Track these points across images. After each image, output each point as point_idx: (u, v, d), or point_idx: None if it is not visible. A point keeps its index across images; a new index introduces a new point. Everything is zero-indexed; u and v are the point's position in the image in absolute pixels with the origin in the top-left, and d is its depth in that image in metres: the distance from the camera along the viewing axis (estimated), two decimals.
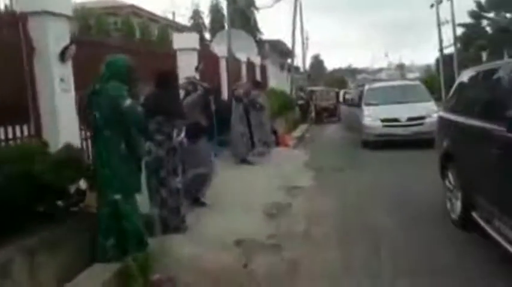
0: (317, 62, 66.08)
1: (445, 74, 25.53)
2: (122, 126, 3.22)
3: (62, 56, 5.51)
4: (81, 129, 6.06)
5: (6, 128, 4.37)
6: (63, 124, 5.45)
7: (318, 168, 8.04)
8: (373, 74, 54.39)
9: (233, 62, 14.71)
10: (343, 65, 69.05)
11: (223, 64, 13.15)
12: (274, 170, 7.53)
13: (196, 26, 22.42)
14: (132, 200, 3.27)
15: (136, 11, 23.99)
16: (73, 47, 5.63)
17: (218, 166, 5.44)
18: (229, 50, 12.66)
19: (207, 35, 22.42)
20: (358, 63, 78.76)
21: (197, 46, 10.84)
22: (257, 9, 22.54)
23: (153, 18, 23.31)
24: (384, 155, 9.11)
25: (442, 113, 5.24)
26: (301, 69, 40.26)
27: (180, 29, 22.40)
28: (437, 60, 34.74)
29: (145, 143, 4.02)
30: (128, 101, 3.16)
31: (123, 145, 3.21)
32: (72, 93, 5.72)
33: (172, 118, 4.26)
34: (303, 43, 32.70)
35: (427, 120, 9.30)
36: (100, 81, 3.29)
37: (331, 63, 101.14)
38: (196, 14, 22.36)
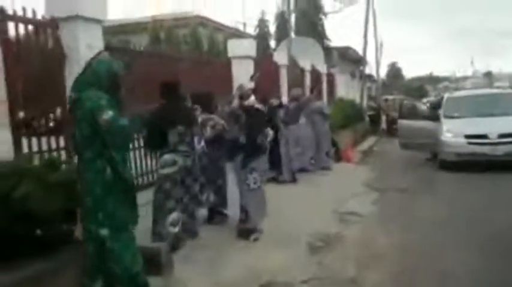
0: (394, 70, 63.26)
1: None
2: (105, 147, 2.60)
3: None
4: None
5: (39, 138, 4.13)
6: None
7: (383, 189, 6.95)
8: (457, 83, 50.31)
9: (295, 70, 14.04)
10: (423, 73, 64.70)
11: (284, 73, 12.51)
12: (329, 190, 6.64)
13: (262, 34, 22.07)
14: (123, 236, 2.65)
15: (203, 22, 24.30)
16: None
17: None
18: (290, 58, 11.95)
19: (273, 44, 21.98)
20: (440, 72, 73.12)
21: (253, 53, 10.31)
22: (325, 15, 21.60)
23: (219, 28, 23.44)
24: (463, 177, 7.68)
25: None
26: (376, 78, 38.24)
27: (246, 38, 22.22)
28: None
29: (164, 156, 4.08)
30: (108, 114, 2.53)
31: (108, 170, 2.59)
32: None
33: (189, 127, 4.29)
34: (376, 49, 31.09)
35: None
36: (76, 90, 2.70)
37: (410, 72, 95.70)
38: (262, 23, 22.03)
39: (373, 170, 8.68)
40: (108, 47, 5.49)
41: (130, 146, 4.06)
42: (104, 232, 2.58)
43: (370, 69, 32.57)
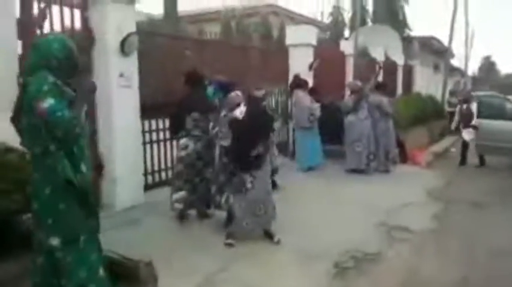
0: (487, 64, 57.63)
1: None
2: (55, 141, 2.13)
3: (122, 47, 4.94)
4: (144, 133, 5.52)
5: None
6: (120, 125, 4.86)
7: (449, 200, 5.87)
8: None
9: (365, 61, 12.92)
10: None
11: (350, 63, 11.54)
12: (382, 197, 5.73)
13: (336, 23, 20.85)
14: (77, 247, 2.21)
15: (275, 10, 23.73)
16: (135, 38, 5.00)
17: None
18: (358, 47, 10.92)
19: (347, 33, 20.67)
20: None
21: (313, 41, 9.52)
22: (407, 1, 19.71)
23: (291, 16, 22.68)
24: None
25: None
26: (468, 72, 34.62)
27: (321, 27, 21.18)
28: None
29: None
30: (48, 102, 2.04)
31: (60, 169, 2.14)
32: (135, 90, 5.12)
33: (206, 113, 4.45)
34: (466, 40, 28.06)
35: None
36: (25, 73, 2.24)
37: (507, 67, 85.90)
38: (336, 11, 20.81)
39: (443, 176, 7.48)
40: (139, 31, 5.19)
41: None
42: (54, 241, 2.16)
43: (459, 62, 29.68)
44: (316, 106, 7.26)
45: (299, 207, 5.09)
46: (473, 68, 50.58)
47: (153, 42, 6.22)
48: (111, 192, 4.70)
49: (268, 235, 4.03)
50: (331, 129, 7.86)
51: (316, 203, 5.31)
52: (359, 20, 11.82)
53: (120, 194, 4.69)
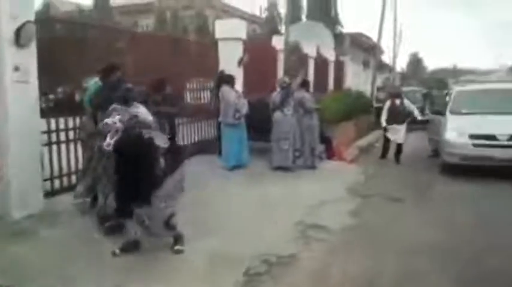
0: (415, 61, 61.25)
1: None
2: None
3: (18, 38, 4.43)
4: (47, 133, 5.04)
5: None
6: (14, 125, 4.37)
7: (368, 196, 6.03)
8: (481, 76, 48.06)
9: (296, 56, 13.04)
10: (446, 65, 62.15)
11: (281, 58, 11.55)
12: (302, 194, 5.74)
13: (272, 18, 20.96)
14: None
15: (212, 3, 23.37)
16: (32, 28, 4.51)
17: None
18: (286, 42, 10.95)
19: (283, 28, 20.87)
20: (465, 64, 70.00)
21: (243, 35, 9.37)
22: None
23: (227, 10, 22.45)
24: (468, 186, 6.63)
25: None
26: (397, 68, 36.56)
27: (256, 20, 21.21)
28: None
29: None
30: None
31: None
32: (33, 85, 4.63)
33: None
34: (394, 37, 29.53)
35: None
36: None
37: (432, 63, 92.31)
38: (271, 6, 20.90)
39: (364, 172, 7.70)
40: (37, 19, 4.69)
41: None
42: None
43: (389, 59, 31.19)
44: (243, 102, 7.12)
45: (215, 209, 4.91)
46: (401, 65, 53.56)
47: (72, 32, 5.76)
48: (4, 199, 4.21)
49: (172, 243, 3.73)
50: (260, 126, 7.78)
51: (235, 204, 5.17)
52: (290, 15, 11.81)
53: (15, 201, 4.22)
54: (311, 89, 13.32)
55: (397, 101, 8.97)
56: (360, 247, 4.17)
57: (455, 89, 9.56)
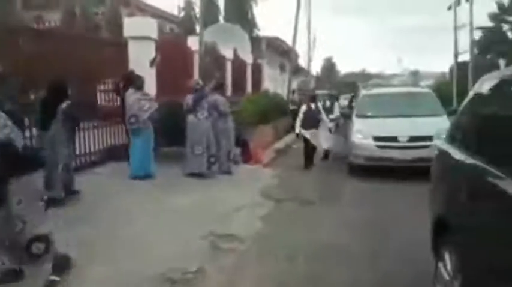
0: (329, 65, 64.39)
1: (459, 82, 23.09)
2: None
3: None
4: None
5: None
6: None
7: (280, 199, 6.02)
8: (386, 80, 52.11)
9: (213, 58, 12.85)
10: (356, 69, 66.56)
11: (197, 60, 11.26)
12: (214, 202, 5.54)
13: (189, 18, 20.57)
14: None
15: (126, 0, 22.25)
16: None
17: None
18: (201, 44, 10.71)
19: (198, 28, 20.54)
20: (372, 69, 75.62)
21: (154, 35, 8.95)
22: (255, 1, 20.57)
23: (142, 7, 21.54)
24: (371, 184, 6.97)
25: (440, 144, 3.15)
26: (312, 72, 38.06)
27: (174, 20, 20.61)
28: (451, 68, 32.23)
29: None
30: None
31: None
32: None
33: None
34: (309, 41, 30.75)
35: (435, 142, 7.06)
36: None
37: (344, 67, 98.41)
38: (188, 6, 20.51)
39: (279, 175, 7.76)
40: None
41: None
42: None
43: (304, 62, 32.39)
44: (149, 106, 6.67)
45: (114, 224, 4.48)
46: (316, 68, 56.07)
47: None
48: None
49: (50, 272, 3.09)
50: (174, 130, 7.44)
51: (138, 218, 4.78)
52: (203, 16, 11.58)
53: None
54: (229, 91, 13.32)
55: (313, 105, 9.13)
56: (271, 253, 4.08)
57: (361, 93, 10.06)
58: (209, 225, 4.62)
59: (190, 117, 7.22)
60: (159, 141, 7.20)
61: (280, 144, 11.93)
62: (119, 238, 4.11)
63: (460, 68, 26.16)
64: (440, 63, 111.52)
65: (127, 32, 8.69)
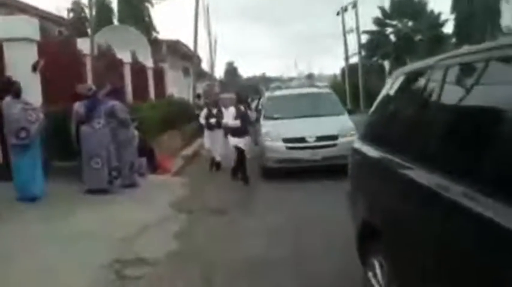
0: (231, 69, 65.20)
1: (350, 83, 24.90)
2: None
3: None
4: None
5: None
6: None
7: (193, 211, 5.59)
8: (286, 83, 54.51)
9: (108, 61, 11.87)
10: (257, 73, 68.52)
11: (89, 64, 10.25)
12: (120, 223, 4.93)
13: (78, 19, 18.92)
14: None
15: (4, 1, 19.73)
16: None
17: None
18: (93, 45, 9.77)
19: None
20: (272, 72, 78.56)
21: (35, 36, 7.86)
22: (151, 3, 19.69)
23: (22, 8, 19.26)
24: (284, 187, 6.89)
25: (358, 144, 3.01)
26: (216, 76, 37.93)
27: (61, 22, 18.72)
28: (343, 70, 34.85)
29: None
30: None
31: None
32: None
33: None
34: (210, 46, 30.57)
35: (341, 140, 7.12)
36: None
37: (246, 71, 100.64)
38: (77, 6, 18.88)
39: (190, 184, 7.30)
40: None
41: None
42: None
43: (208, 67, 32.10)
44: (35, 118, 5.75)
45: None
46: (220, 73, 56.40)
47: None
48: None
49: None
50: (66, 141, 6.56)
51: (27, 248, 4.01)
52: (94, 17, 10.61)
53: None
54: (130, 97, 12.42)
55: (214, 110, 8.93)
56: (185, 277, 3.66)
57: (266, 95, 10.07)
58: (113, 250, 4.03)
59: (84, 127, 6.43)
60: (51, 155, 6.28)
61: (188, 151, 11.43)
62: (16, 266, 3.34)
63: (351, 69, 28.40)
64: (332, 66, 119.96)
65: (1, 33, 7.49)
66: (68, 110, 6.96)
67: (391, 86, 2.59)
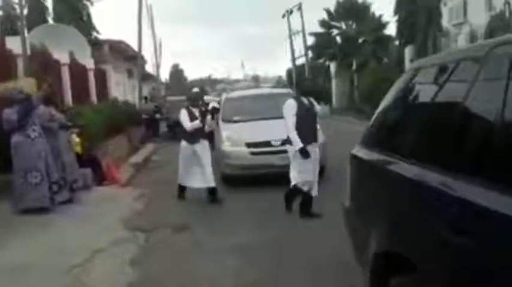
0: (177, 72, 64.09)
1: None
2: None
3: None
4: None
5: None
6: None
7: (151, 229, 4.89)
8: (232, 85, 54.14)
9: (43, 62, 10.68)
10: (203, 75, 67.44)
11: (20, 64, 9.11)
12: (63, 249, 4.13)
13: (8, 17, 17.18)
14: None
15: None
16: None
17: None
18: (24, 45, 8.66)
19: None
20: (217, 74, 77.62)
21: None
22: (91, 2, 18.33)
23: None
24: (250, 194, 6.32)
25: (361, 152, 2.51)
26: (161, 78, 36.51)
27: None
28: (288, 71, 35.06)
29: None
30: None
31: None
32: None
33: None
34: (155, 48, 29.36)
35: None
36: None
37: (192, 74, 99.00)
38: (6, 4, 17.13)
39: (143, 195, 6.54)
40: None
41: None
42: None
43: (152, 69, 30.80)
44: None
45: None
46: (165, 75, 54.91)
47: None
48: None
49: None
50: None
51: None
52: (23, 14, 9.45)
53: None
54: (69, 100, 11.29)
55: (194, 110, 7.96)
56: None
57: (224, 96, 9.48)
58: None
59: (17, 137, 5.51)
60: None
61: (137, 157, 10.53)
62: None
63: (297, 71, 28.51)
64: (277, 68, 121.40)
65: None
66: None
67: (409, 81, 2.14)
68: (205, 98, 16.07)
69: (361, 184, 2.44)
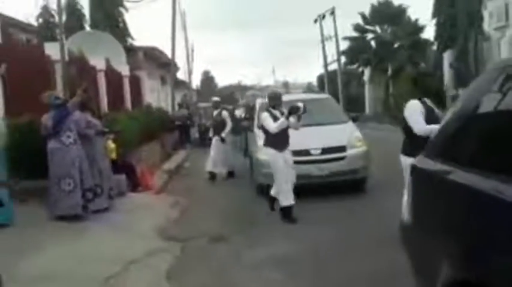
0: (207, 78, 64.73)
1: (329, 89, 24.43)
2: None
3: None
4: None
5: None
6: None
7: (187, 238, 4.71)
8: (262, 91, 54.13)
9: (80, 68, 10.86)
10: (233, 81, 67.81)
11: (58, 70, 9.25)
12: (96, 260, 4.00)
13: (46, 25, 17.76)
14: None
15: None
16: None
17: None
18: (63, 51, 8.78)
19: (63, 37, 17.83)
20: (247, 81, 77.75)
21: None
22: (125, 8, 18.71)
23: None
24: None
25: (428, 164, 2.16)
26: (193, 85, 36.92)
27: (28, 29, 17.52)
28: (319, 77, 34.49)
29: None
30: None
31: None
32: None
33: None
34: (187, 54, 29.73)
35: (349, 152, 6.25)
36: None
37: (222, 80, 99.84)
38: (45, 11, 17.73)
39: (178, 202, 6.39)
40: None
41: None
42: None
43: (185, 76, 31.20)
44: None
45: None
46: (196, 82, 55.59)
47: None
48: None
49: None
50: (33, 157, 5.60)
51: None
52: (61, 20, 9.63)
53: None
54: (104, 106, 11.43)
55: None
56: None
57: (258, 101, 9.23)
58: None
59: (52, 143, 5.48)
60: (16, 173, 5.31)
61: (170, 164, 10.49)
62: None
63: (329, 76, 27.99)
64: (306, 74, 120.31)
65: None
66: (35, 123, 6.01)
67: (492, 83, 1.84)
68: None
69: (427, 198, 2.14)
